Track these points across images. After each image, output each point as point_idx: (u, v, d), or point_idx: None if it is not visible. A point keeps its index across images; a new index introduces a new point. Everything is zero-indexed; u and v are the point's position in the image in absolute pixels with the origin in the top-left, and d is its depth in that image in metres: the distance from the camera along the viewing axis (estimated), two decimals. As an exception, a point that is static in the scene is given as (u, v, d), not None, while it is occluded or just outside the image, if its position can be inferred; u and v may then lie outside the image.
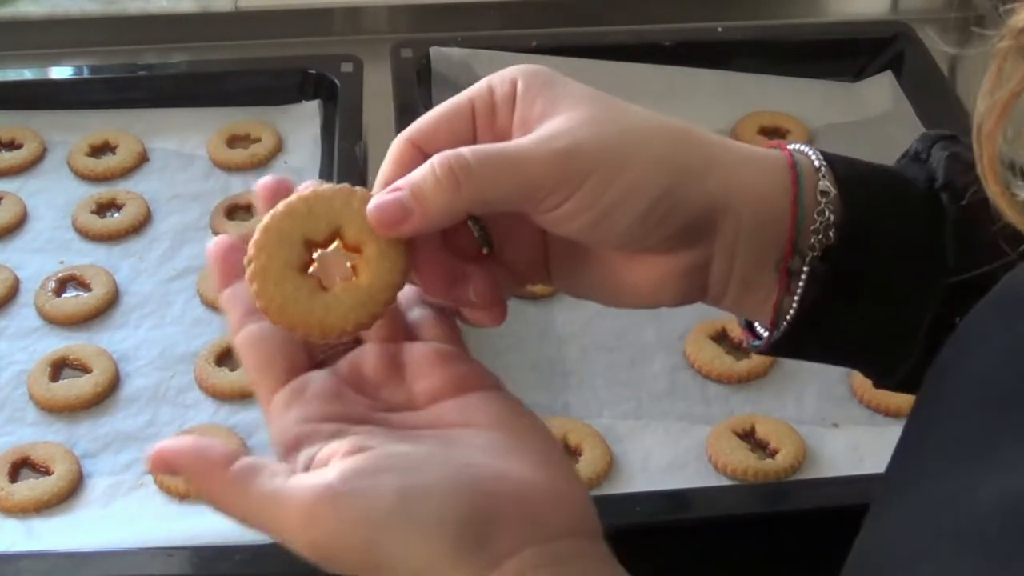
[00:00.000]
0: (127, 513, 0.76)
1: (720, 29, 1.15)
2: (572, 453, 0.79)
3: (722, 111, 1.07)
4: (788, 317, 0.51)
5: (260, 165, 1.03)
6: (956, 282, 0.50)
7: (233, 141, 1.05)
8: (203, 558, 0.71)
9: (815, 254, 0.50)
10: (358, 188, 0.49)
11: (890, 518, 0.46)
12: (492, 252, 0.52)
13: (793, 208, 0.50)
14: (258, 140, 1.05)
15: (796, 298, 0.50)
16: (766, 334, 0.53)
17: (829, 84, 1.11)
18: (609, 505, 0.74)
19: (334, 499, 0.43)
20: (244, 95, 1.08)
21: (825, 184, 0.50)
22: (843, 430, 0.81)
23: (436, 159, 0.48)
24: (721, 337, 0.87)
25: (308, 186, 0.50)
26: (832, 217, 0.50)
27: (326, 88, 1.06)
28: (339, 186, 0.49)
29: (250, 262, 0.48)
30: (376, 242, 0.48)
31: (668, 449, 0.80)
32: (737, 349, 0.86)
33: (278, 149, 1.04)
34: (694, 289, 0.52)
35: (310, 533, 0.45)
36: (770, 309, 0.52)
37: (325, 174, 1.00)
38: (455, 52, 1.08)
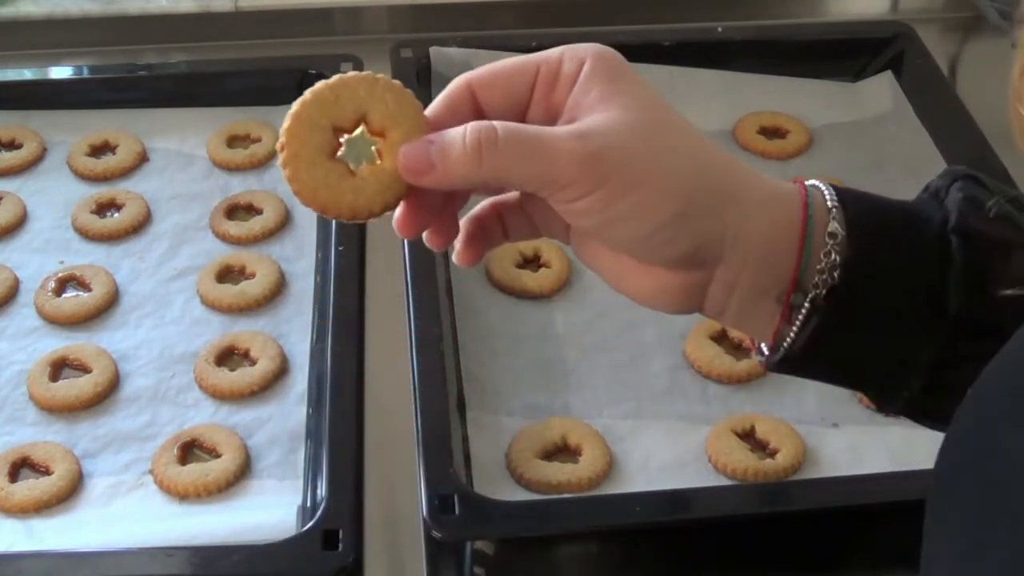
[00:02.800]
0: (127, 513, 0.76)
1: (720, 29, 1.15)
2: (572, 453, 0.79)
3: (722, 111, 1.07)
4: (786, 343, 0.52)
5: (260, 165, 1.03)
6: (958, 324, 0.51)
7: (233, 141, 1.05)
8: (203, 558, 0.71)
9: (819, 292, 0.51)
10: (380, 75, 0.52)
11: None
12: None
13: (800, 250, 0.51)
14: (258, 140, 1.05)
15: (795, 328, 0.52)
16: (767, 351, 0.55)
17: (829, 84, 1.11)
18: (609, 505, 0.75)
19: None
20: (244, 95, 1.08)
21: (835, 226, 0.51)
22: (843, 430, 0.81)
23: (471, 125, 0.50)
24: (721, 337, 0.87)
25: (334, 77, 0.52)
26: (837, 259, 0.51)
27: (326, 88, 1.06)
28: (363, 74, 0.52)
29: (282, 148, 0.51)
30: (399, 127, 0.51)
31: (668, 449, 0.80)
32: (737, 349, 0.86)
33: (278, 149, 1.04)
34: (691, 304, 0.54)
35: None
36: (769, 334, 0.53)
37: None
38: (455, 52, 1.08)
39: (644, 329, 0.88)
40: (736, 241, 0.51)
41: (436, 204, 0.53)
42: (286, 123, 0.52)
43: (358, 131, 0.52)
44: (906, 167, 1.02)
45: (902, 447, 0.80)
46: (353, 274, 0.90)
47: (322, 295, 0.90)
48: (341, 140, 0.52)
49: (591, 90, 0.51)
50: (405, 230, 0.53)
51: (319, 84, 0.52)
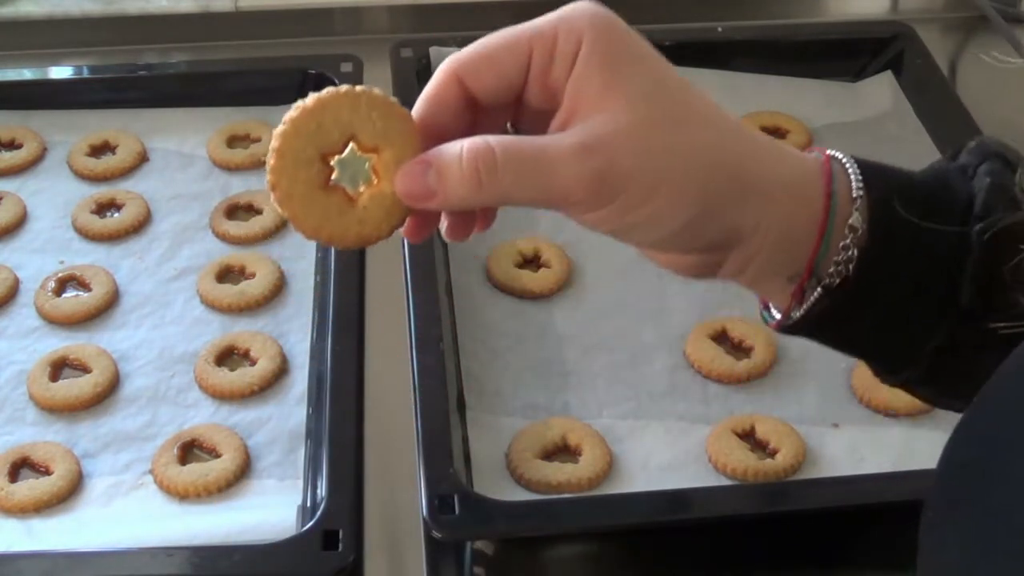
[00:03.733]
0: (127, 513, 0.76)
1: (720, 29, 1.15)
2: (572, 453, 0.79)
3: (722, 111, 1.07)
4: (797, 316, 0.52)
5: (260, 165, 1.03)
6: (970, 314, 0.51)
7: (233, 141, 1.05)
8: (203, 558, 0.71)
9: (832, 280, 0.50)
10: (361, 89, 0.49)
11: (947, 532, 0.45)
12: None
13: (817, 242, 0.50)
14: (258, 140, 1.05)
15: (804, 308, 0.51)
16: (778, 315, 0.54)
17: (829, 84, 1.11)
18: (609, 505, 0.75)
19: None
20: (244, 95, 1.08)
21: (856, 218, 0.49)
22: (843, 430, 0.81)
23: (467, 147, 0.47)
24: (721, 337, 0.87)
25: (309, 99, 0.49)
26: (854, 253, 0.50)
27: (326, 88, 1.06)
28: (343, 90, 0.49)
29: (273, 188, 0.49)
30: (391, 146, 0.49)
31: (668, 449, 0.80)
32: (737, 349, 0.86)
33: (278, 149, 1.04)
34: (705, 273, 0.53)
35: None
36: (779, 302, 0.53)
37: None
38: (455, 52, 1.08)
39: (644, 329, 0.88)
40: (756, 230, 0.49)
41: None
42: (271, 160, 0.49)
43: (348, 149, 0.49)
44: (906, 167, 1.02)
45: (902, 447, 0.80)
46: (353, 274, 0.90)
47: (322, 295, 0.90)
48: (332, 163, 0.49)
49: (591, 77, 0.48)
50: (417, 238, 0.52)
51: (296, 111, 0.49)
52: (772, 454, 0.79)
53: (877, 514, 0.75)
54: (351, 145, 0.49)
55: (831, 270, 0.50)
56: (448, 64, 0.50)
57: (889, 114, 1.08)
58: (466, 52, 0.50)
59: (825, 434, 0.81)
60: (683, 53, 1.09)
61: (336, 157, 0.49)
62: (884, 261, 0.50)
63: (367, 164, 0.49)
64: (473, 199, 0.48)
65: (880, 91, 1.10)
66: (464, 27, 1.15)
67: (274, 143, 0.49)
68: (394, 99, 0.50)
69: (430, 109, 0.50)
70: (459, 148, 0.48)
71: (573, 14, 0.49)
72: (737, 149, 0.49)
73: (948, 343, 0.51)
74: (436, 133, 0.50)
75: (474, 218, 0.52)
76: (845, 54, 1.13)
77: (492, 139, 0.47)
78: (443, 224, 0.52)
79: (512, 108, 0.51)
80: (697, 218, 0.48)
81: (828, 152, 0.52)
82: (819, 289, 0.50)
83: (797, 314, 0.52)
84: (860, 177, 0.50)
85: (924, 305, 0.51)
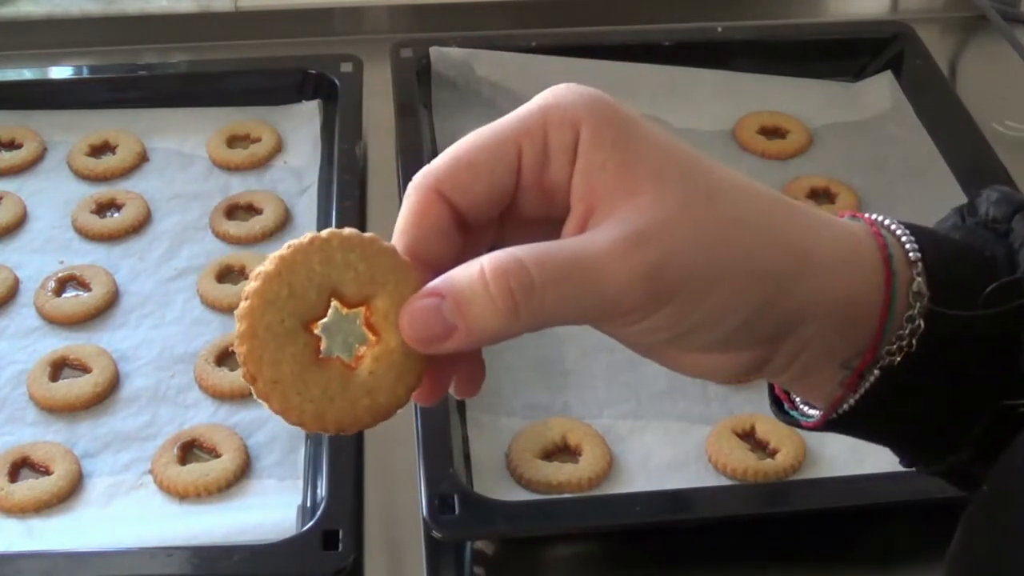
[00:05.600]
0: (127, 513, 0.76)
1: (720, 29, 1.15)
2: (572, 453, 0.79)
3: (722, 111, 1.07)
4: (848, 406, 0.45)
5: (260, 165, 1.03)
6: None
7: (233, 141, 1.05)
8: (203, 558, 0.71)
9: (893, 359, 0.44)
10: (327, 233, 0.41)
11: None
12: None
13: (883, 316, 0.43)
14: (258, 140, 1.05)
15: (857, 396, 0.45)
16: (807, 409, 0.48)
17: (829, 84, 1.11)
18: (609, 505, 0.75)
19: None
20: (244, 95, 1.08)
21: (919, 284, 0.43)
22: (843, 430, 0.81)
23: (489, 268, 0.39)
24: (721, 337, 0.87)
25: (269, 262, 0.41)
26: (920, 324, 0.43)
27: (326, 88, 1.06)
28: (305, 241, 0.41)
29: (254, 380, 0.40)
30: (383, 291, 0.41)
31: (668, 449, 0.80)
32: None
33: (278, 149, 1.04)
34: (747, 372, 0.46)
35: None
36: (823, 396, 0.46)
37: (325, 174, 1.00)
38: (455, 52, 1.08)
39: (644, 329, 0.88)
40: (813, 315, 0.43)
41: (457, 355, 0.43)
42: (243, 347, 0.40)
43: (332, 310, 0.41)
44: (906, 167, 1.02)
45: (902, 447, 0.80)
46: (353, 274, 0.89)
47: (322, 295, 0.89)
48: (317, 331, 0.41)
49: (605, 165, 0.41)
50: (430, 400, 0.44)
51: (258, 280, 0.40)
52: (772, 454, 0.79)
53: (877, 514, 0.75)
54: (334, 304, 0.41)
55: (893, 347, 0.44)
56: (423, 180, 0.42)
57: (889, 114, 1.08)
58: (442, 163, 0.42)
59: (825, 434, 0.80)
60: (683, 53, 1.10)
61: (320, 323, 0.41)
62: (944, 330, 0.44)
63: (358, 321, 0.41)
64: (509, 328, 0.40)
65: (880, 91, 1.10)
66: (464, 27, 1.15)
67: (240, 326, 0.40)
68: (370, 234, 0.41)
69: (415, 235, 0.42)
70: (477, 270, 0.39)
71: (560, 101, 0.42)
72: (789, 220, 0.43)
73: (998, 420, 0.45)
74: (425, 265, 0.42)
75: (482, 368, 0.45)
76: (845, 54, 1.13)
77: (517, 251, 0.39)
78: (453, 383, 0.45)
79: (498, 223, 0.44)
80: (764, 305, 0.42)
81: (867, 216, 0.46)
82: (876, 371, 0.44)
83: (849, 404, 0.45)
84: (913, 242, 0.44)
85: (984, 377, 0.45)
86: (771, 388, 0.50)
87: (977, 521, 0.44)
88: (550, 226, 0.43)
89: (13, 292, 0.92)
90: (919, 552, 0.74)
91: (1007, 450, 0.43)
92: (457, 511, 0.71)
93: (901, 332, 0.43)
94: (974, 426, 0.46)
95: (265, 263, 0.41)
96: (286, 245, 0.41)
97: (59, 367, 0.85)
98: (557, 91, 0.42)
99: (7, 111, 1.07)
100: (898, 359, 0.44)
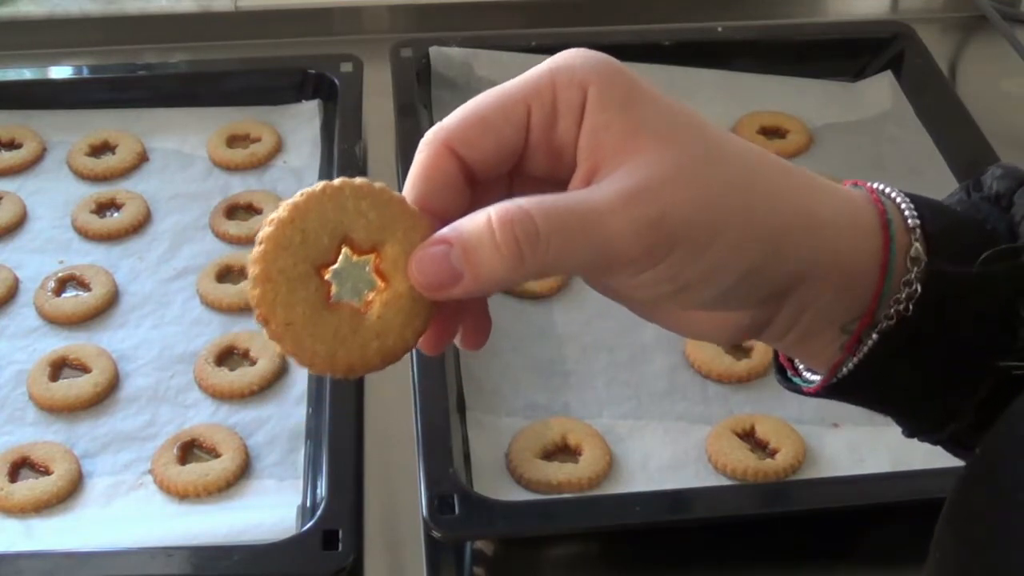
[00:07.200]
0: (127, 513, 0.76)
1: (720, 29, 1.15)
2: (572, 453, 0.79)
3: (722, 111, 1.07)
4: (847, 370, 0.46)
5: (260, 165, 1.03)
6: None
7: (233, 141, 1.05)
8: (203, 558, 0.71)
9: (890, 323, 0.45)
10: (340, 182, 0.43)
11: None
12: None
13: (881, 280, 0.45)
14: (258, 140, 1.05)
15: (856, 359, 0.46)
16: (809, 375, 0.49)
17: (829, 84, 1.11)
18: (609, 505, 0.75)
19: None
20: (244, 95, 1.08)
21: (917, 249, 0.45)
22: (843, 430, 0.81)
23: (496, 217, 0.41)
24: (721, 337, 0.87)
25: (282, 209, 0.43)
26: (918, 289, 0.44)
27: (326, 88, 1.06)
28: (318, 189, 0.43)
29: (266, 321, 0.42)
30: (392, 238, 0.42)
31: (668, 449, 0.80)
32: (737, 349, 0.86)
33: (278, 149, 1.04)
34: (747, 334, 0.47)
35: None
36: (824, 361, 0.47)
37: (324, 174, 1.00)
38: (455, 52, 1.08)
39: (644, 329, 0.88)
40: (813, 276, 0.44)
41: (463, 305, 0.45)
42: (256, 289, 0.42)
43: (342, 256, 0.43)
44: (906, 167, 1.02)
45: (902, 447, 0.79)
46: (353, 274, 0.89)
47: (322, 295, 0.89)
48: (327, 276, 0.43)
49: (611, 124, 0.42)
50: (435, 348, 0.45)
51: (272, 226, 0.42)
52: (772, 454, 0.79)
53: (877, 514, 0.75)
54: (344, 250, 0.43)
55: (891, 311, 0.45)
56: (436, 135, 0.44)
57: (889, 114, 1.08)
58: (455, 119, 0.44)
59: (825, 434, 0.81)
60: (683, 53, 1.10)
61: (331, 269, 0.42)
62: (942, 295, 0.45)
63: (368, 268, 0.43)
64: (514, 275, 0.41)
65: (880, 91, 1.10)
66: (464, 27, 1.16)
67: (254, 269, 0.42)
68: (381, 184, 0.43)
69: (425, 188, 0.43)
70: (484, 219, 0.41)
71: (569, 63, 0.43)
72: (789, 182, 0.44)
73: (996, 388, 0.46)
74: (434, 218, 0.44)
75: (488, 320, 0.47)
76: (845, 54, 1.13)
77: (523, 201, 0.41)
78: (459, 335, 0.46)
79: (507, 181, 0.46)
80: (763, 263, 0.43)
81: (869, 184, 0.47)
82: (875, 335, 0.45)
83: (848, 368, 0.46)
84: (912, 209, 0.45)
85: (981, 344, 0.46)
86: (776, 356, 0.51)
87: (969, 484, 0.45)
88: (557, 185, 0.44)
89: (13, 292, 0.92)
90: (919, 552, 0.74)
91: (1002, 414, 0.43)
92: (457, 511, 0.71)
93: (898, 296, 0.44)
94: (972, 392, 0.46)
95: (278, 210, 0.42)
96: (299, 193, 0.42)
97: (59, 367, 0.85)
98: (567, 54, 0.44)
99: (7, 111, 1.07)
100: (895, 323, 0.45)
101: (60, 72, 1.13)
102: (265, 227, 0.43)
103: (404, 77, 1.06)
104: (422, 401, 0.78)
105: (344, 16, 1.21)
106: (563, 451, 0.79)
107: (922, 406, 0.49)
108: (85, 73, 1.13)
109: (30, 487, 0.77)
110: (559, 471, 0.77)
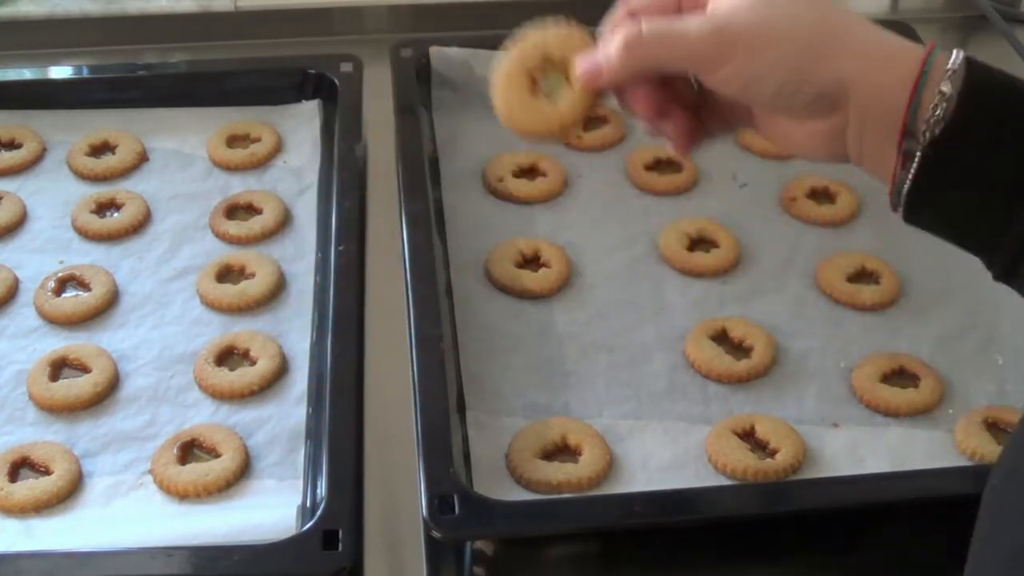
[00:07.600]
0: (127, 513, 0.76)
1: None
2: (572, 453, 0.79)
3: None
4: (904, 189, 0.58)
5: (260, 165, 1.03)
6: None
7: (233, 141, 1.05)
8: (203, 558, 0.71)
9: (924, 143, 0.56)
10: (551, 27, 0.68)
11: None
12: (700, 93, 0.65)
13: (910, 99, 0.57)
14: (258, 140, 1.05)
15: (910, 176, 0.57)
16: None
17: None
18: (609, 505, 0.75)
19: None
20: (244, 95, 1.08)
21: (947, 85, 0.56)
22: (843, 430, 0.81)
23: (621, 30, 0.61)
24: (721, 337, 0.87)
25: (514, 44, 0.68)
26: (942, 114, 0.56)
27: (326, 88, 1.07)
28: (536, 34, 0.68)
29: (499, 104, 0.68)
30: (574, 56, 0.65)
31: (668, 449, 0.80)
32: (737, 349, 0.86)
33: (278, 149, 1.04)
34: (838, 149, 0.61)
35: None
36: (891, 178, 0.59)
37: (324, 174, 1.00)
38: (455, 52, 1.08)
39: (644, 329, 0.88)
40: (853, 83, 0.57)
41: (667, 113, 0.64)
42: (498, 83, 0.68)
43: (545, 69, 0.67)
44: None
45: (902, 447, 0.80)
46: (353, 274, 0.89)
47: (322, 295, 0.90)
48: (538, 81, 0.67)
49: None
50: (684, 147, 0.65)
51: (515, 50, 0.68)
52: (772, 454, 0.79)
53: (876, 514, 0.75)
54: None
55: (925, 133, 0.56)
56: (622, 4, 0.63)
57: (889, 114, 1.08)
58: None
59: (825, 434, 0.81)
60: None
61: (540, 75, 0.67)
62: (969, 127, 0.56)
63: (559, 76, 0.66)
64: (630, 65, 0.61)
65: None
66: (464, 27, 1.15)
67: (502, 71, 0.68)
68: (576, 28, 0.67)
69: (609, 31, 0.63)
70: (616, 34, 0.61)
71: None
72: (835, 15, 0.59)
73: None
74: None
75: (697, 128, 0.65)
76: (845, 54, 1.13)
77: (644, 20, 0.60)
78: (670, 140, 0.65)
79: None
80: (795, 71, 0.58)
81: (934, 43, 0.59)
82: (918, 153, 0.56)
83: (907, 185, 0.57)
84: (959, 60, 0.56)
85: (1012, 179, 0.56)
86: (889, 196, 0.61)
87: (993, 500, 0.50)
88: None
89: (13, 292, 0.92)
90: (919, 552, 0.74)
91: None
92: (457, 511, 0.71)
93: (928, 118, 0.56)
94: (1012, 226, 0.56)
95: (516, 42, 0.68)
96: (522, 34, 0.68)
97: (59, 367, 0.85)
98: None
99: (7, 111, 1.07)
100: (928, 140, 0.56)
101: (60, 72, 1.13)
102: (510, 51, 0.68)
103: (404, 77, 1.06)
104: (422, 401, 0.78)
105: (344, 16, 1.21)
106: (563, 451, 0.79)
107: (988, 221, 0.58)
108: (85, 73, 1.13)
109: (30, 487, 0.77)
110: (559, 471, 0.77)
